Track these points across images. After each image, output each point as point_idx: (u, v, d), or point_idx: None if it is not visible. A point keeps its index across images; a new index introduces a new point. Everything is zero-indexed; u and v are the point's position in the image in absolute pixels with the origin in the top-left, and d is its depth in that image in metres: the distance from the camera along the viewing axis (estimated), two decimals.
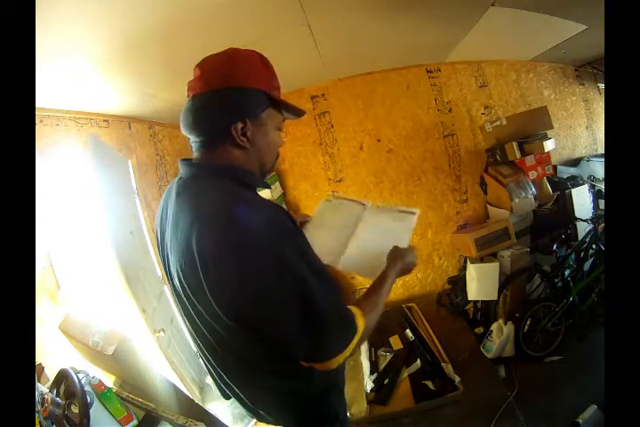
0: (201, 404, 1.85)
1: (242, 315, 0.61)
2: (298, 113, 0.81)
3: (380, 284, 0.81)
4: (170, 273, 0.73)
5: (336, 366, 0.64)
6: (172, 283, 0.73)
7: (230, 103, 0.69)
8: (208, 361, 0.82)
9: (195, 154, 0.75)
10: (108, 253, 1.70)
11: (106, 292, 1.93)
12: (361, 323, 0.67)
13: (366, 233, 1.02)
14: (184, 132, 0.73)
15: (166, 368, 1.82)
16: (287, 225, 0.64)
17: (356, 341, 0.65)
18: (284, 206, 2.93)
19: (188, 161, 0.75)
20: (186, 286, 0.66)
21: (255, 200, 0.66)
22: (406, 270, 0.89)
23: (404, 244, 0.93)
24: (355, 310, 0.69)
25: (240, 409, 1.92)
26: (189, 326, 0.77)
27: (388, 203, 1.16)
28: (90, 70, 1.45)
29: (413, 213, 1.05)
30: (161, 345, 1.81)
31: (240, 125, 0.69)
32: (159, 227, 0.78)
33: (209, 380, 1.98)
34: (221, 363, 0.79)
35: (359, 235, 1.01)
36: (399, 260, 0.87)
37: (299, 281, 0.59)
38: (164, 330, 1.86)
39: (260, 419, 0.87)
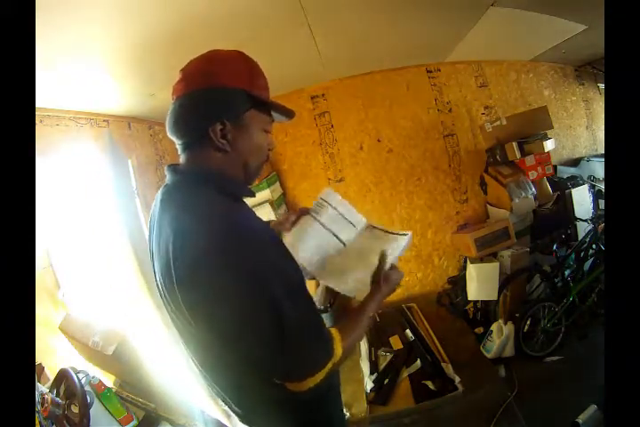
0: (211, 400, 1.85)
1: (214, 331, 0.60)
2: (287, 114, 0.75)
3: (363, 308, 0.76)
4: (156, 279, 0.71)
5: (307, 389, 0.61)
6: (159, 289, 0.70)
7: (207, 104, 0.65)
8: (197, 365, 0.79)
9: (180, 158, 0.72)
10: (124, 249, 1.70)
11: (108, 292, 1.93)
12: (338, 347, 0.64)
13: (351, 251, 0.92)
14: (168, 134, 0.71)
15: (172, 367, 1.82)
16: (263, 240, 0.61)
17: (330, 365, 0.62)
18: (284, 207, 2.93)
19: (172, 167, 0.72)
20: (166, 294, 0.65)
21: (232, 215, 0.63)
22: (392, 291, 0.83)
23: (387, 265, 0.84)
24: (335, 333, 0.66)
25: None
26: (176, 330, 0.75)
27: (383, 225, 1.06)
28: (91, 70, 1.46)
29: (405, 235, 0.98)
30: (175, 340, 1.81)
31: (219, 127, 0.65)
32: (149, 232, 0.75)
33: None
34: (209, 370, 0.76)
35: (344, 251, 0.92)
36: (383, 283, 0.80)
37: (270, 299, 0.57)
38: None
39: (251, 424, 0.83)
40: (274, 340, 0.58)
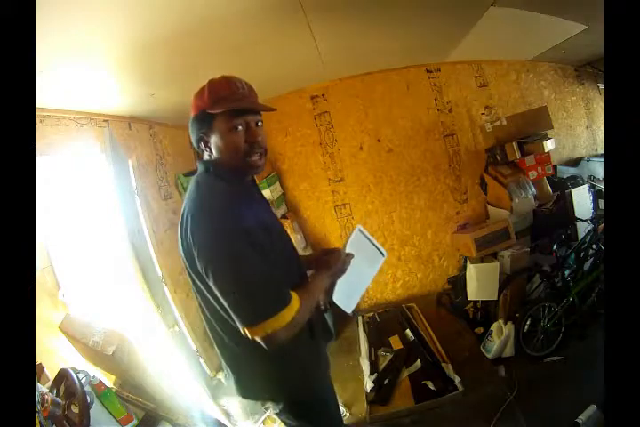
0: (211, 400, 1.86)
1: (208, 281, 0.80)
2: (249, 109, 0.91)
3: (315, 280, 0.96)
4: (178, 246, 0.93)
5: (265, 335, 0.76)
6: (180, 253, 0.90)
7: (191, 128, 0.94)
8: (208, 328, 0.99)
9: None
10: (124, 249, 1.71)
11: (109, 291, 1.93)
12: (295, 302, 0.80)
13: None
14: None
15: (174, 366, 1.82)
16: (237, 212, 0.82)
17: (287, 316, 0.77)
18: (284, 207, 2.93)
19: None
20: (185, 255, 0.86)
21: (219, 195, 0.87)
22: (338, 273, 1.01)
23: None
24: (294, 294, 0.82)
25: (250, 405, 1.95)
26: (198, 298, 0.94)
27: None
28: (91, 70, 1.46)
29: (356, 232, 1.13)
30: (175, 340, 1.82)
31: (201, 142, 0.93)
32: None
33: (220, 375, 1.99)
34: (210, 330, 0.97)
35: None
36: (333, 262, 1.01)
37: (240, 255, 0.77)
38: (177, 325, 1.88)
39: (247, 394, 1.02)
40: (238, 289, 0.77)
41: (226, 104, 0.87)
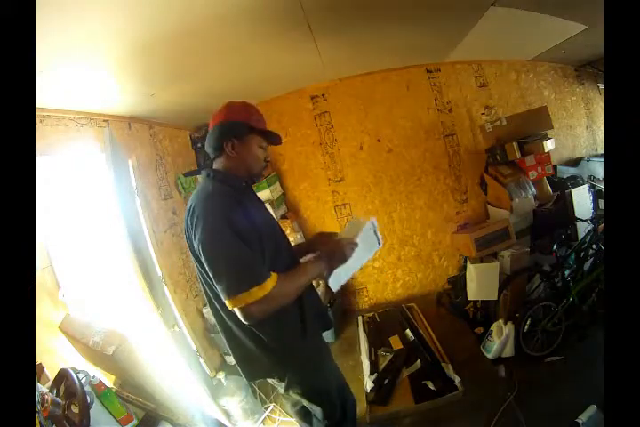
0: (211, 400, 1.86)
1: (200, 256, 0.96)
2: (274, 137, 1.16)
3: (301, 266, 1.09)
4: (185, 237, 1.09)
5: (239, 307, 0.90)
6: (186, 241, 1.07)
7: (224, 130, 1.09)
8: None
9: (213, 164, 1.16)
10: (124, 249, 1.71)
11: (109, 291, 1.93)
12: (270, 282, 0.92)
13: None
14: (206, 150, 1.15)
15: (174, 366, 1.82)
16: (227, 209, 0.97)
17: (259, 293, 0.89)
18: (284, 207, 2.93)
19: (206, 169, 1.14)
20: (191, 243, 1.01)
21: (216, 196, 1.01)
22: (336, 260, 1.10)
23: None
24: (273, 274, 0.95)
25: (250, 405, 1.95)
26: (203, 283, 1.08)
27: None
28: (91, 71, 1.46)
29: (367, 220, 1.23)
30: (175, 340, 1.82)
31: (230, 143, 1.08)
32: None
33: (220, 375, 1.99)
34: (212, 310, 1.11)
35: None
36: (326, 251, 1.12)
37: (225, 238, 0.92)
38: (177, 325, 1.87)
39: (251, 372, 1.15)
40: (219, 264, 0.93)
41: (262, 126, 1.12)
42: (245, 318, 0.92)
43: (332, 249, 1.12)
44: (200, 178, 1.14)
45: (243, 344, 1.09)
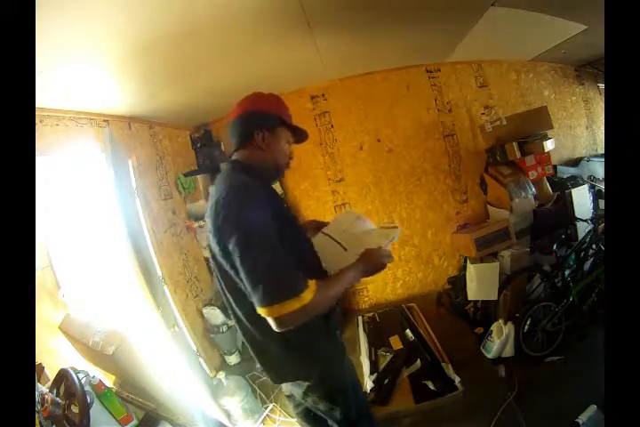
0: (211, 400, 1.86)
1: (227, 258, 0.90)
2: (302, 134, 1.11)
3: (341, 273, 1.01)
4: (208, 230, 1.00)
5: (275, 317, 0.84)
6: (209, 237, 0.98)
7: (255, 119, 1.03)
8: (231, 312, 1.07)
9: (233, 155, 1.08)
10: (124, 249, 1.71)
11: (109, 291, 1.93)
12: (309, 293, 0.85)
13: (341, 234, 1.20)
14: (229, 139, 1.07)
15: (174, 366, 1.83)
16: (265, 205, 0.90)
17: (295, 304, 0.83)
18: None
19: (230, 160, 1.07)
20: (212, 238, 0.93)
21: (250, 191, 0.92)
22: (372, 270, 1.04)
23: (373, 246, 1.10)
24: (312, 283, 0.88)
25: (250, 405, 1.95)
26: (221, 281, 1.02)
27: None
28: (91, 70, 1.45)
29: (395, 228, 1.20)
30: (175, 340, 1.82)
31: (261, 134, 1.02)
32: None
33: (220, 375, 1.99)
34: (230, 309, 1.05)
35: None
36: (363, 259, 1.05)
37: (266, 247, 0.85)
38: (177, 325, 1.87)
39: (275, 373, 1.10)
40: (252, 275, 0.85)
41: (291, 120, 1.08)
42: (279, 326, 0.86)
43: (371, 258, 1.06)
44: (223, 170, 1.03)
45: (267, 348, 1.04)
